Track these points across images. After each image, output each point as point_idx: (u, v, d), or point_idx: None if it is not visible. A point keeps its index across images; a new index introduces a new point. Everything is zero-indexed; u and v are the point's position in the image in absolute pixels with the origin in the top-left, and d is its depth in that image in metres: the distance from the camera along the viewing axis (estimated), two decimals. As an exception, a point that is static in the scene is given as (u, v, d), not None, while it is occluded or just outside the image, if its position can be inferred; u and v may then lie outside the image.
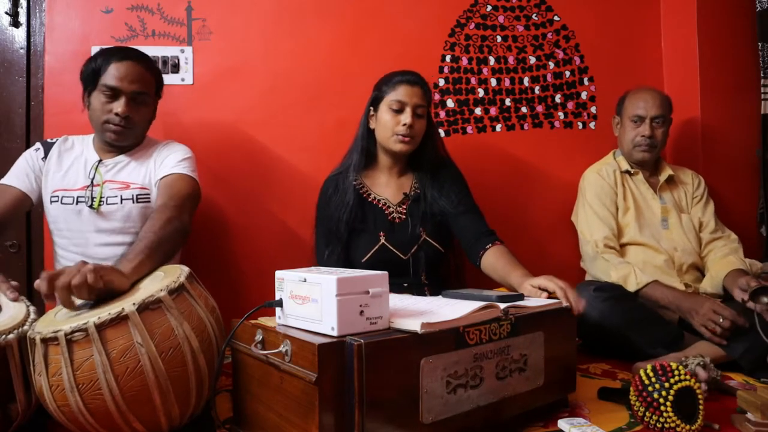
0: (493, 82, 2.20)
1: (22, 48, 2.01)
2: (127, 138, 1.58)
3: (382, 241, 1.68)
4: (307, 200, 1.86)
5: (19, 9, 2.01)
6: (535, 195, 2.22)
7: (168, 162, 1.59)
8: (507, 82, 2.21)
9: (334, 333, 0.92)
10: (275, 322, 1.05)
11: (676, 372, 1.13)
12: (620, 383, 1.48)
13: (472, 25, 2.19)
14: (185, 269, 1.15)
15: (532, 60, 2.23)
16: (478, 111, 2.18)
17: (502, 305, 1.10)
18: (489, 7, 2.20)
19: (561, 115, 2.25)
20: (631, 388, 1.18)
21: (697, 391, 1.12)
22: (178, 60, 1.99)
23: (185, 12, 2.01)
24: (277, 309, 1.05)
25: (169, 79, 1.93)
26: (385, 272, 0.98)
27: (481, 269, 1.61)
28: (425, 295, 1.60)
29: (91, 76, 1.53)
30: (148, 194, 1.59)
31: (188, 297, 1.09)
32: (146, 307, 1.01)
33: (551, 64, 2.24)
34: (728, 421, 1.18)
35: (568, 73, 2.26)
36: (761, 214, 2.21)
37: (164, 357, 1.00)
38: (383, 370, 0.91)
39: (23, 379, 1.07)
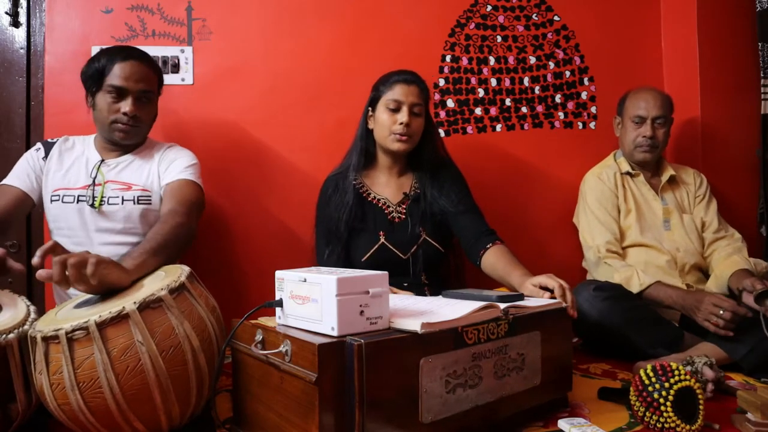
0: (493, 82, 2.20)
1: (22, 48, 2.01)
2: (134, 136, 1.60)
3: (382, 240, 1.68)
4: (307, 200, 1.86)
5: (19, 9, 2.01)
6: (535, 195, 2.22)
7: (175, 167, 1.60)
8: (507, 82, 2.21)
9: (334, 333, 0.92)
10: (275, 322, 1.05)
11: (676, 372, 1.13)
12: (620, 383, 1.48)
13: (472, 25, 2.19)
14: (186, 269, 1.15)
15: (532, 60, 2.23)
16: (478, 111, 2.18)
17: (503, 305, 1.10)
18: (489, 7, 2.20)
19: (561, 115, 2.25)
20: (631, 388, 1.18)
21: (698, 392, 1.12)
22: (178, 60, 1.99)
23: (185, 12, 2.01)
24: (277, 309, 1.05)
25: (169, 79, 1.93)
26: (385, 272, 0.99)
27: (481, 269, 1.61)
28: (425, 294, 1.60)
29: (94, 76, 1.53)
30: (150, 196, 1.59)
31: (189, 296, 1.09)
32: (147, 306, 1.01)
33: (551, 64, 2.24)
34: (728, 421, 1.18)
35: (568, 73, 2.26)
36: (761, 214, 2.21)
37: (165, 356, 1.00)
38: (383, 370, 0.91)
39: (23, 378, 1.07)
